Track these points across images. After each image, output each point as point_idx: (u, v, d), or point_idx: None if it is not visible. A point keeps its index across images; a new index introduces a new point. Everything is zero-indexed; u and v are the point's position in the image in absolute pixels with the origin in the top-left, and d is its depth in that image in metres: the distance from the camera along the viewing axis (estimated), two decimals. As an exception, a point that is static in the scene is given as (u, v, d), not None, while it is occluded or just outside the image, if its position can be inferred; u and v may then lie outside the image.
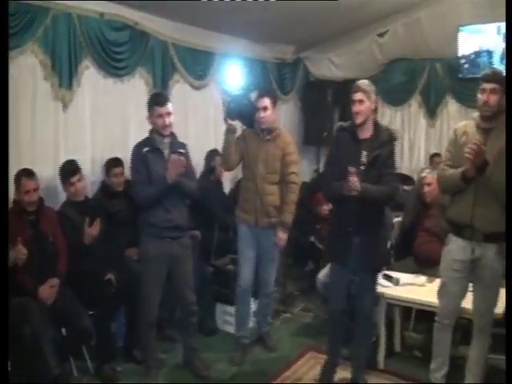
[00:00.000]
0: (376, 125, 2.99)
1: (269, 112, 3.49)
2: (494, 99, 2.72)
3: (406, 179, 5.49)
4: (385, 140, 2.95)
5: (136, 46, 4.15)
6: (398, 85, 6.06)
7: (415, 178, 5.31)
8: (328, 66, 6.24)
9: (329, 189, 3.03)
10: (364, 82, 2.98)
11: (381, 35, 5.87)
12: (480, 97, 2.78)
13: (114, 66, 3.98)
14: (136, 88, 4.23)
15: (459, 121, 5.83)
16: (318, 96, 6.02)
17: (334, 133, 3.11)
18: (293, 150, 3.59)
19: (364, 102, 2.88)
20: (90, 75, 3.83)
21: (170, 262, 3.22)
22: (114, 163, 3.82)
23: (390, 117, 6.24)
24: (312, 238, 4.95)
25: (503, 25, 5.16)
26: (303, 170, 5.62)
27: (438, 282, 3.43)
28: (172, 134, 3.23)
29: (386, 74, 6.08)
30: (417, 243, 3.83)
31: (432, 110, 5.92)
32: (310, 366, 3.51)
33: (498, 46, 5.24)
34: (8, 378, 2.35)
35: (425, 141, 6.07)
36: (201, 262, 4.07)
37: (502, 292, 3.25)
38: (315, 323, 4.22)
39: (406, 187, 5.17)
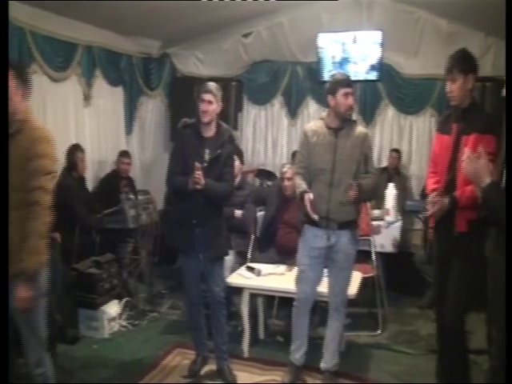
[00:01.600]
0: (219, 125, 3.16)
1: None
2: (353, 101, 3.04)
3: (269, 175, 5.75)
4: (226, 140, 3.13)
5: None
6: (262, 85, 6.30)
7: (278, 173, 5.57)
8: (195, 63, 6.28)
9: (173, 182, 3.14)
10: (214, 85, 3.14)
11: (245, 36, 6.07)
12: (343, 101, 2.98)
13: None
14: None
15: (318, 121, 6.32)
16: (185, 93, 6.02)
17: (179, 129, 3.18)
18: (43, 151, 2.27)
19: (212, 103, 3.04)
20: None
21: None
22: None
23: (254, 115, 6.47)
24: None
25: (359, 34, 5.65)
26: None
27: (296, 270, 3.68)
28: None
29: (250, 74, 6.29)
30: (278, 235, 4.04)
31: (293, 110, 6.26)
32: (177, 362, 3.51)
33: (354, 53, 5.71)
34: (8, 378, 2.14)
35: (287, 139, 6.40)
36: (62, 265, 3.86)
37: (355, 275, 3.61)
38: (183, 320, 4.24)
39: (268, 182, 5.42)
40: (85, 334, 3.85)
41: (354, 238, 3.09)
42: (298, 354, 3.27)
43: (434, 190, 2.85)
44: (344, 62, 5.78)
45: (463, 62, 2.71)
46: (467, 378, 2.82)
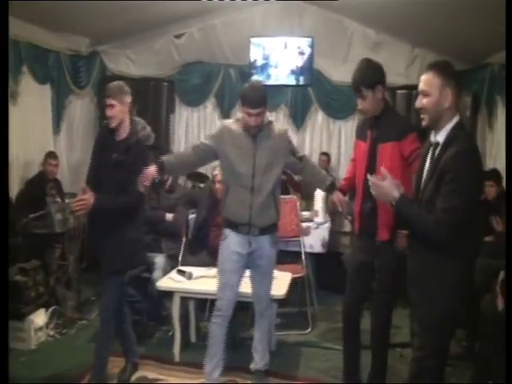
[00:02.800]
0: (133, 126, 2.91)
1: None
2: (258, 121, 2.83)
3: (201, 177, 5.74)
4: (133, 143, 2.86)
5: None
6: (195, 86, 6.29)
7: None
8: (125, 63, 6.17)
9: (88, 184, 2.89)
10: (114, 86, 2.88)
11: (178, 37, 6.04)
12: (247, 119, 2.80)
13: None
14: None
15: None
16: (116, 92, 5.88)
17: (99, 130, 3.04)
18: None
19: (115, 106, 2.81)
20: None
21: None
22: None
23: (186, 117, 6.45)
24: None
25: (290, 40, 5.78)
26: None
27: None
28: None
29: (182, 75, 6.27)
30: (210, 237, 4.06)
31: (226, 113, 6.29)
32: (108, 370, 3.42)
33: (284, 59, 5.83)
34: (8, 378, 2.11)
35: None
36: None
37: (285, 275, 3.70)
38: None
39: (201, 185, 5.42)
40: (11, 346, 3.65)
41: (274, 241, 3.05)
42: (215, 373, 3.05)
43: (340, 190, 3.04)
44: (275, 66, 5.90)
45: (368, 76, 2.69)
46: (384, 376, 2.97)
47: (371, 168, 2.66)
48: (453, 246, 2.00)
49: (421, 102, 2.11)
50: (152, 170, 2.79)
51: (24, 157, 5.13)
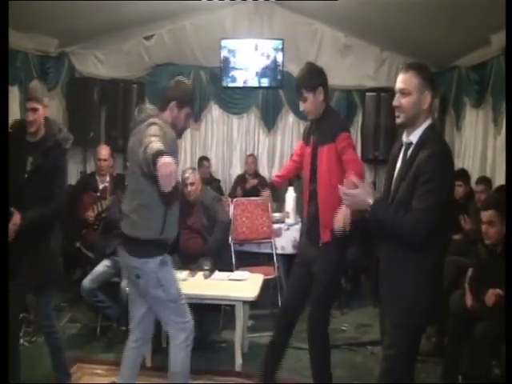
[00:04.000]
0: (48, 127, 2.74)
1: None
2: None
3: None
4: (52, 145, 2.68)
5: None
6: (164, 88, 6.20)
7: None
8: (94, 64, 6.06)
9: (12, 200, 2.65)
10: (38, 87, 2.81)
11: (147, 38, 5.98)
12: (184, 120, 2.63)
13: None
14: None
15: (222, 125, 6.39)
16: (84, 94, 5.79)
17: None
18: None
19: (38, 109, 2.65)
20: None
21: None
22: None
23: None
24: (78, 244, 4.69)
25: (260, 42, 5.79)
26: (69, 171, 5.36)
27: (200, 274, 3.69)
28: None
29: (152, 76, 6.20)
30: (181, 240, 4.02)
31: (197, 115, 6.25)
32: (77, 377, 3.35)
33: (254, 61, 5.83)
34: (8, 378, 2.10)
35: (190, 143, 6.39)
36: None
37: (257, 277, 3.69)
38: (83, 333, 4.07)
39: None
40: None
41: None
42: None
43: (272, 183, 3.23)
44: (245, 68, 5.90)
45: (309, 79, 2.76)
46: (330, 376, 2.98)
47: (314, 174, 2.78)
48: (425, 244, 2.02)
49: (399, 100, 2.10)
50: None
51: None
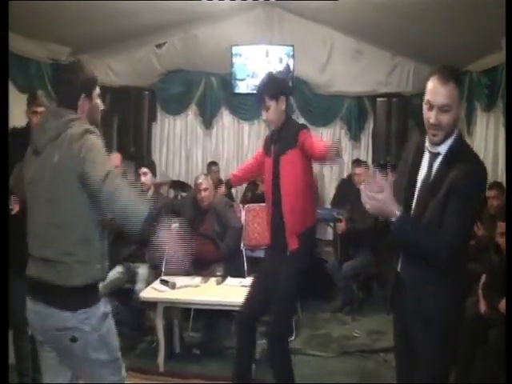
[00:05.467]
0: None
1: None
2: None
3: (184, 186, 5.72)
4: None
5: None
6: (176, 95, 6.28)
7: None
8: (106, 72, 6.11)
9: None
10: (43, 93, 3.00)
11: (159, 46, 6.03)
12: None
13: None
14: None
15: (233, 131, 6.41)
16: (96, 101, 5.84)
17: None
18: None
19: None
20: None
21: None
22: None
23: (168, 125, 6.43)
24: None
25: (271, 48, 5.82)
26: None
27: (212, 280, 3.70)
28: None
29: (164, 83, 6.25)
30: (194, 246, 4.02)
31: (208, 121, 6.29)
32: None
33: (265, 67, 5.85)
34: (8, 378, 2.03)
35: (202, 149, 6.42)
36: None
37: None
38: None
39: (183, 194, 5.40)
40: None
41: None
42: None
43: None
44: (256, 74, 5.92)
45: (272, 87, 2.74)
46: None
47: (276, 183, 2.76)
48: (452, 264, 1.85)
49: (438, 118, 1.82)
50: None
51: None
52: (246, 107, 6.29)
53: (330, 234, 5.85)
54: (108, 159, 1.85)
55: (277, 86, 2.78)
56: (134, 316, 3.93)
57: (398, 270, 2.01)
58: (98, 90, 2.02)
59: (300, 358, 3.79)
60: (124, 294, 3.96)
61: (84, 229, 1.83)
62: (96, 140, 1.85)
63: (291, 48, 5.79)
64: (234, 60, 5.89)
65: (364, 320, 4.56)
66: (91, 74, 2.00)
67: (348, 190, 5.31)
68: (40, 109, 2.87)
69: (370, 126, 6.12)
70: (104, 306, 1.94)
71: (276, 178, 2.78)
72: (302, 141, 2.67)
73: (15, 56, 5.05)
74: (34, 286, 1.90)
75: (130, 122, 5.90)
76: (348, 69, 5.89)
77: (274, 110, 2.74)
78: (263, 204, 4.62)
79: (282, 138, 2.78)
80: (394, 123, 5.75)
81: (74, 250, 1.82)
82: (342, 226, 4.69)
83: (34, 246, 1.89)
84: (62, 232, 1.82)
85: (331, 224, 5.31)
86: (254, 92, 5.75)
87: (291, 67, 5.83)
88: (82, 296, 1.86)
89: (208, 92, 6.25)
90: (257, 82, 5.86)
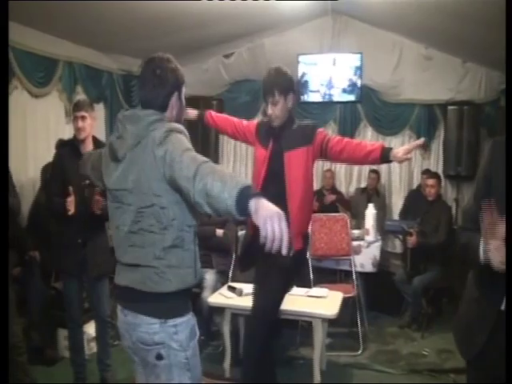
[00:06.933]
0: (96, 140, 3.13)
1: None
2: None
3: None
4: None
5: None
6: (243, 104, 6.35)
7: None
8: (175, 82, 6.29)
9: (55, 206, 3.03)
10: (86, 101, 3.17)
11: (227, 56, 6.14)
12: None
13: None
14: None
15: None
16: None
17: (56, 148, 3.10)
18: None
19: (86, 118, 3.03)
20: None
21: None
22: None
23: (235, 134, 6.49)
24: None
25: (338, 56, 5.77)
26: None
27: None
28: None
29: (231, 93, 6.34)
30: (259, 255, 4.03)
31: (275, 130, 6.31)
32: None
33: (332, 76, 5.82)
34: (8, 378, 2.07)
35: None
36: (41, 284, 3.80)
37: (336, 294, 3.63)
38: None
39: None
40: (64, 355, 3.73)
41: None
42: None
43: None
44: (323, 83, 5.89)
45: (283, 82, 2.64)
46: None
47: (270, 178, 2.64)
48: None
49: None
50: None
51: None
52: (312, 116, 6.22)
53: (397, 247, 5.69)
54: (194, 156, 1.63)
55: (288, 81, 2.66)
56: (201, 321, 3.97)
57: (502, 308, 1.73)
58: (184, 89, 1.89)
59: (367, 372, 3.71)
60: (191, 298, 4.01)
61: (177, 232, 1.73)
62: (181, 138, 1.71)
63: (359, 56, 5.71)
64: (301, 68, 5.89)
65: (433, 338, 4.38)
66: (182, 70, 1.89)
67: (417, 202, 5.15)
68: (81, 114, 3.03)
69: (440, 134, 5.90)
70: (193, 319, 1.84)
71: (271, 173, 2.67)
72: (320, 139, 2.61)
73: (89, 68, 5.31)
74: (122, 295, 1.84)
75: (198, 131, 6.02)
76: (417, 76, 5.73)
77: (282, 106, 2.62)
78: (331, 214, 4.64)
79: (288, 135, 2.67)
80: (466, 132, 5.53)
81: (166, 255, 1.72)
82: (412, 239, 4.50)
83: (121, 253, 1.82)
84: (153, 237, 1.72)
85: (400, 236, 5.16)
86: (321, 101, 5.86)
87: (359, 75, 5.75)
88: (173, 303, 1.77)
89: (274, 101, 6.26)
90: (323, 90, 5.93)
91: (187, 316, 1.80)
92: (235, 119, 3.01)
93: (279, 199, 2.53)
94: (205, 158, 1.60)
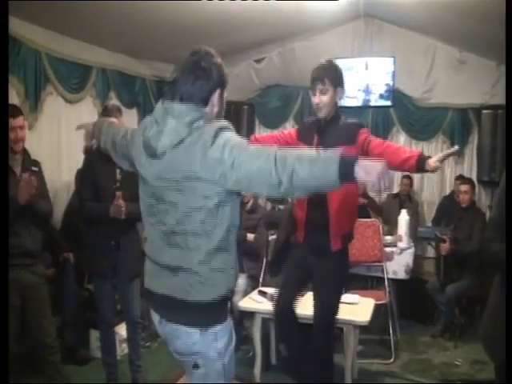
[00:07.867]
0: None
1: None
2: None
3: (281, 198, 5.73)
4: None
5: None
6: (274, 109, 6.36)
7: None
8: (206, 87, 6.34)
9: (88, 210, 3.07)
10: (114, 106, 3.21)
11: (258, 61, 6.16)
12: None
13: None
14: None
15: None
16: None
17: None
18: None
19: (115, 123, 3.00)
20: None
21: (23, 292, 2.79)
22: None
23: (266, 139, 6.51)
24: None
25: (371, 60, 5.72)
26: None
27: (310, 294, 3.64)
28: (25, 150, 2.91)
29: (262, 98, 6.36)
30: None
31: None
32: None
33: (365, 80, 5.76)
34: (8, 378, 2.10)
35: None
36: (75, 285, 3.87)
37: (368, 301, 3.58)
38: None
39: (280, 206, 5.41)
40: (96, 356, 3.80)
41: None
42: None
43: None
44: (356, 87, 5.84)
45: (334, 74, 2.63)
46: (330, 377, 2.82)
47: None
48: None
49: None
50: None
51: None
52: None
53: (430, 253, 5.58)
54: (261, 148, 1.64)
55: (339, 74, 2.66)
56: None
57: None
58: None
59: (399, 381, 3.66)
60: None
61: (223, 233, 1.68)
62: (232, 135, 1.66)
63: (392, 59, 5.65)
64: (332, 73, 5.85)
65: (466, 348, 4.28)
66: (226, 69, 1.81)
67: (451, 208, 5.06)
68: (109, 119, 2.98)
69: (474, 139, 5.79)
70: (231, 323, 1.81)
71: None
72: (362, 139, 2.57)
73: (122, 74, 5.40)
74: (160, 304, 1.79)
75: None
76: (451, 79, 5.63)
77: (330, 97, 2.60)
78: (363, 219, 4.57)
79: (332, 131, 2.62)
80: (501, 137, 5.40)
81: (211, 259, 1.68)
82: (445, 246, 4.41)
83: (158, 252, 1.76)
84: (198, 240, 1.67)
85: (432, 243, 5.06)
86: (354, 105, 5.80)
87: (391, 79, 5.68)
88: (216, 310, 1.73)
89: (306, 106, 6.24)
90: (356, 94, 5.87)
91: (227, 322, 1.78)
92: (276, 133, 3.08)
93: (320, 200, 2.59)
94: (271, 147, 1.60)
